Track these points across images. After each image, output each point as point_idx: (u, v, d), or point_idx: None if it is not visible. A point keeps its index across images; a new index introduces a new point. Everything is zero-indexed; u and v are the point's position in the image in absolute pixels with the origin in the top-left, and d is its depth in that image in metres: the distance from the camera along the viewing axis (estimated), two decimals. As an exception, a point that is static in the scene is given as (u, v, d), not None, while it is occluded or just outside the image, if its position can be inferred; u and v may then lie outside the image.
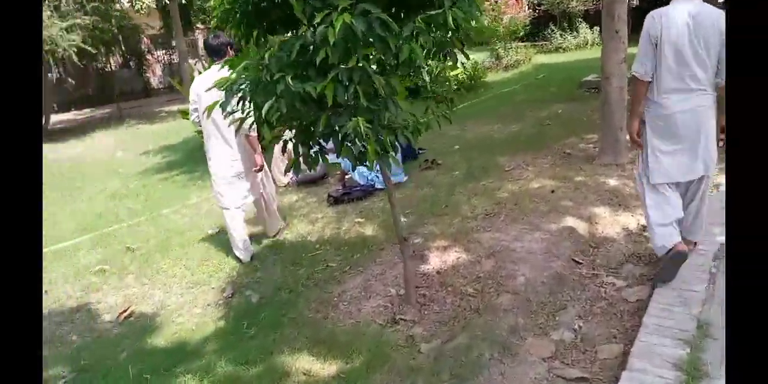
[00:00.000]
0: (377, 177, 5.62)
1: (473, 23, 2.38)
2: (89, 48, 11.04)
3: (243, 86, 2.26)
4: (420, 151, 6.93)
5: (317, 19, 2.05)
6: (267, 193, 4.50)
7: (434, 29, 2.26)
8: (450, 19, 2.15)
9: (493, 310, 3.05)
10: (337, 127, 2.29)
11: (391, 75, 2.40)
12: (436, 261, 3.75)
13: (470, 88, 11.75)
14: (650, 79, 2.83)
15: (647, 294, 2.98)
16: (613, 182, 4.69)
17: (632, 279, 3.23)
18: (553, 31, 17.28)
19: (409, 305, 3.23)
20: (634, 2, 18.55)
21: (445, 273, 3.58)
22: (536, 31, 17.56)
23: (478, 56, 17.28)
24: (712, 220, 3.67)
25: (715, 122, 2.86)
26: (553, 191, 4.66)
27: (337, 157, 2.54)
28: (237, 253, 4.25)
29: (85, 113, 16.90)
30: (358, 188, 5.49)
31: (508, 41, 15.39)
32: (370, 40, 2.19)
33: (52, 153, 10.56)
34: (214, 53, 3.93)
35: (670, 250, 2.88)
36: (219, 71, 3.42)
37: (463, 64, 10.71)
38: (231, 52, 3.91)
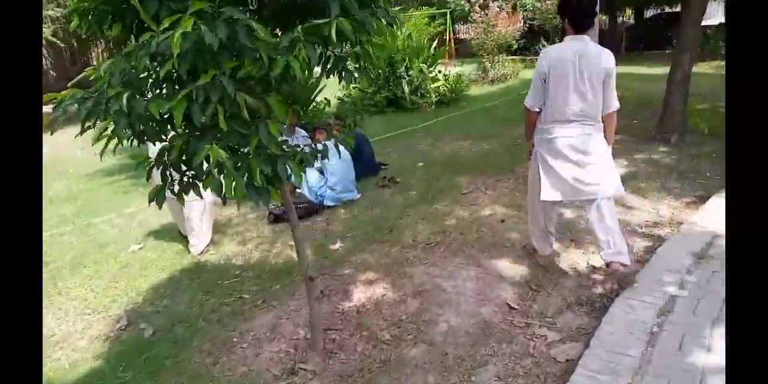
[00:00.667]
0: (332, 191, 5.24)
1: (371, 36, 2.00)
2: (58, 42, 10.64)
3: (68, 103, 1.88)
4: (382, 167, 6.57)
5: (165, 24, 1.67)
6: (202, 203, 4.19)
7: (320, 41, 1.88)
8: (333, 30, 1.78)
9: (404, 364, 2.67)
10: (191, 155, 1.91)
11: (271, 93, 2.02)
12: (360, 297, 3.36)
13: (451, 101, 11.42)
14: (538, 110, 3.12)
15: (579, 353, 2.61)
16: (568, 214, 4.33)
17: (567, 332, 2.85)
18: (544, 45, 17.00)
19: (315, 352, 2.83)
20: (624, 18, 18.23)
21: (366, 312, 3.19)
22: (529, 45, 17.32)
23: (466, 68, 17.02)
24: (666, 266, 3.31)
25: (600, 149, 3.13)
26: (503, 221, 4.29)
27: (203, 188, 2.15)
28: (191, 249, 4.37)
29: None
30: (303, 205, 5.10)
31: (497, 54, 15.10)
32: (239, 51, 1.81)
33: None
34: None
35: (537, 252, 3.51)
36: None
37: (445, 75, 10.44)
38: None
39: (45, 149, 10.18)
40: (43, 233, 5.12)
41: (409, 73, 11.05)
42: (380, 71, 11.07)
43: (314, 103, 9.32)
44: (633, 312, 2.81)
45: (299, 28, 1.83)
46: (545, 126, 3.12)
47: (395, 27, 2.19)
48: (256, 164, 1.93)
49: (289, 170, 2.10)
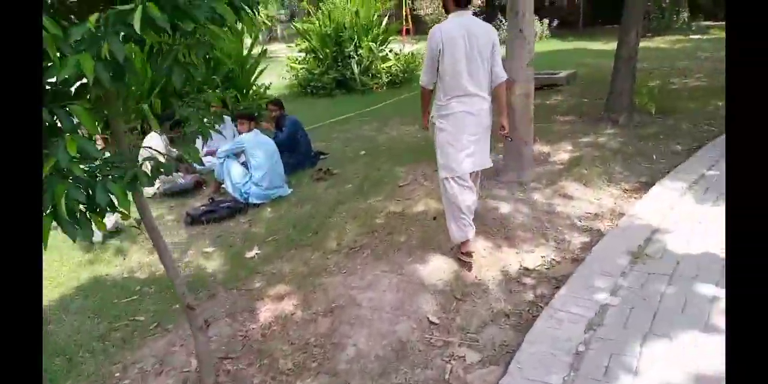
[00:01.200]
0: (258, 187, 4.83)
1: (201, 24, 1.59)
2: None
3: None
4: (321, 157, 6.16)
5: None
6: None
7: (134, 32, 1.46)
8: (138, 17, 1.37)
9: (301, 400, 2.34)
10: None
11: (79, 101, 1.60)
12: (267, 316, 3.01)
13: (404, 81, 10.98)
14: (432, 88, 3.25)
15: (497, 378, 2.32)
16: (505, 208, 4.03)
17: (490, 350, 2.56)
18: (501, 21, 16.64)
19: (204, 387, 2.48)
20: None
21: (271, 335, 2.84)
22: (488, 19, 16.89)
23: (422, 46, 16.51)
24: (601, 267, 3.04)
25: (490, 122, 3.30)
26: (434, 218, 3.97)
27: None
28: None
29: None
30: (226, 205, 4.69)
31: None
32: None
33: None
34: None
35: (462, 245, 3.31)
36: None
37: (396, 54, 9.96)
38: None
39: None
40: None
41: (359, 52, 10.55)
42: (327, 51, 10.55)
43: (254, 87, 8.79)
44: (559, 327, 2.53)
45: (100, 16, 1.42)
46: (443, 102, 3.18)
47: (247, 14, 1.78)
48: (61, 191, 1.53)
49: (110, 195, 1.69)
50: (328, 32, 10.34)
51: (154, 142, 5.29)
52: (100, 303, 3.36)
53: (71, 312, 3.30)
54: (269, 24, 18.91)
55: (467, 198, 3.24)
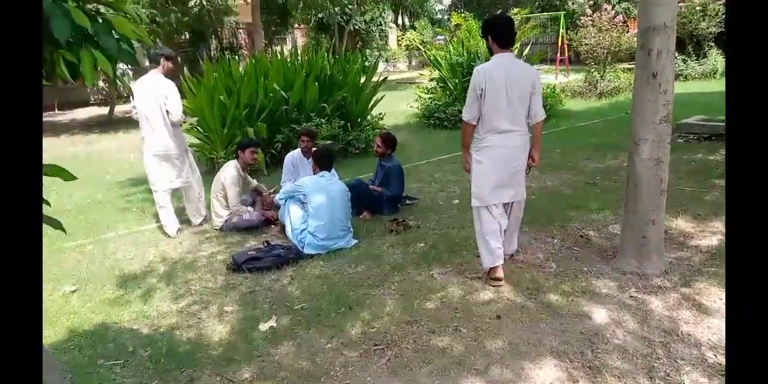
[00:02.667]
0: (314, 238, 4.23)
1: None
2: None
3: None
4: (408, 202, 5.42)
5: None
6: (195, 180, 5.09)
7: None
8: None
9: None
10: None
11: None
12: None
13: (538, 117, 9.83)
14: (475, 123, 3.34)
15: None
16: (601, 316, 2.93)
17: None
18: (675, 56, 14.58)
19: None
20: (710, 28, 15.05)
21: None
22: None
23: (572, 77, 15.10)
24: None
25: (526, 156, 3.44)
26: (498, 317, 3.00)
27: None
28: (165, 229, 4.93)
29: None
30: (277, 252, 4.13)
31: (609, 64, 13.13)
32: None
33: (83, 144, 10.34)
34: (152, 61, 4.75)
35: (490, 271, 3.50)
36: (153, 77, 4.69)
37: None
38: (166, 63, 4.75)
39: (110, 147, 10.27)
40: None
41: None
42: (456, 81, 9.84)
43: (369, 117, 8.34)
44: None
45: None
46: (481, 136, 3.36)
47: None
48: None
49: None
50: (459, 61, 9.62)
51: (227, 171, 4.97)
52: (87, 360, 2.93)
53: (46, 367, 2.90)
54: (420, 48, 18.72)
55: (498, 227, 3.47)
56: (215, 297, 3.64)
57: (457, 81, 9.93)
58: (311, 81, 7.29)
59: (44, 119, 14.37)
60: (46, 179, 6.73)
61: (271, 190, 6.09)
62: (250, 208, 5.03)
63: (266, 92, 7.19)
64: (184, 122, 5.42)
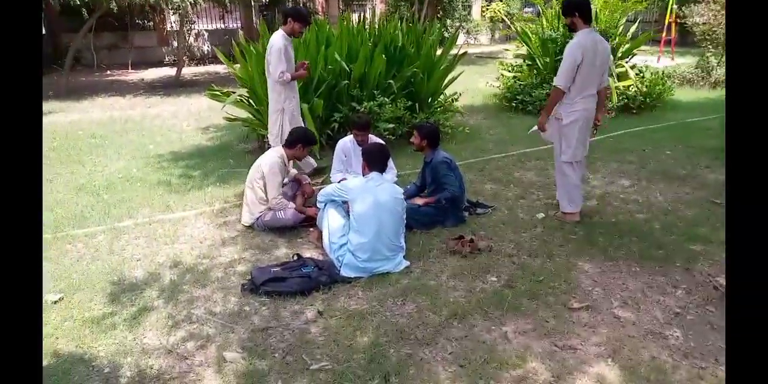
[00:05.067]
0: (354, 257, 3.31)
1: None
2: None
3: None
4: (478, 211, 4.37)
5: None
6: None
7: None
8: None
9: None
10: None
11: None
12: None
13: (643, 107, 8.37)
14: (567, 91, 3.85)
15: None
16: None
17: None
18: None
19: None
20: None
21: None
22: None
23: (681, 64, 13.19)
24: None
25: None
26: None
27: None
28: None
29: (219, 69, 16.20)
30: (305, 272, 3.25)
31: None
32: None
33: (141, 107, 9.88)
34: (283, 19, 4.99)
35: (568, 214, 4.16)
36: (275, 34, 4.97)
37: (640, 72, 7.49)
38: (292, 22, 4.87)
39: (162, 113, 9.73)
40: None
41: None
42: (547, 60, 8.49)
43: (441, 96, 7.24)
44: None
45: None
46: (574, 100, 3.88)
47: None
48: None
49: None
50: (553, 37, 8.24)
51: (269, 157, 4.12)
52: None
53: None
54: (505, 20, 17.11)
55: (580, 177, 4.13)
56: (219, 331, 2.81)
57: (548, 60, 8.57)
58: (378, 52, 6.25)
59: (115, 78, 14.20)
60: (85, 145, 6.05)
61: (318, 180, 5.22)
62: (291, 204, 4.16)
63: (326, 63, 6.24)
64: (283, 80, 4.92)
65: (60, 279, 3.40)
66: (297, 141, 4.19)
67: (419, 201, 4.10)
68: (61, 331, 2.82)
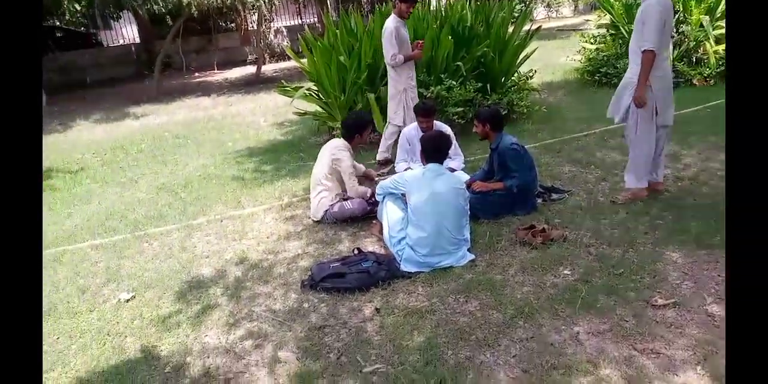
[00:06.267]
0: (413, 252, 3.17)
1: None
2: None
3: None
4: (556, 196, 4.06)
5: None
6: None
7: None
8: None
9: None
10: None
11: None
12: None
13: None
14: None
15: None
16: None
17: None
18: None
19: None
20: None
21: None
22: None
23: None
24: None
25: None
26: None
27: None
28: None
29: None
30: (365, 267, 3.14)
31: None
32: None
33: (223, 106, 10.25)
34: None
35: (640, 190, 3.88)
36: (389, 18, 4.99)
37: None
38: (400, 4, 4.84)
39: (243, 111, 10.06)
40: (95, 240, 4.30)
41: (680, 29, 7.47)
42: (632, 27, 7.74)
43: (515, 75, 6.84)
44: None
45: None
46: (659, 64, 3.56)
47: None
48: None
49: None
50: (638, 2, 7.49)
51: (341, 154, 4.07)
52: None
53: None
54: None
55: (660, 149, 3.87)
56: (276, 329, 2.78)
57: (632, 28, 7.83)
58: (445, 34, 5.99)
59: (202, 79, 14.91)
60: (170, 145, 6.32)
61: (384, 170, 5.11)
62: (369, 190, 4.09)
63: (391, 50, 6.07)
64: (395, 62, 4.95)
65: (134, 277, 3.54)
66: (350, 129, 4.12)
67: (487, 186, 3.85)
68: (130, 329, 2.92)
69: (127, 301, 3.25)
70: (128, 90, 13.33)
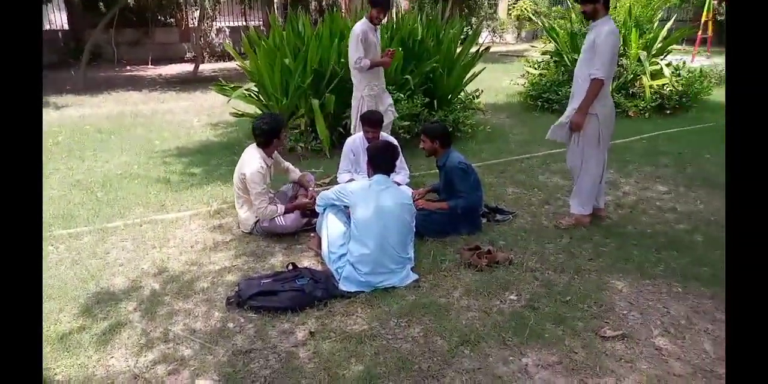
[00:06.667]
0: (354, 270, 2.93)
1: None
2: None
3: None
4: (499, 217, 3.96)
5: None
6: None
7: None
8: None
9: None
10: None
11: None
12: None
13: (678, 107, 7.82)
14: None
15: None
16: None
17: None
18: None
19: None
20: None
21: None
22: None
23: (719, 63, 12.54)
24: None
25: None
26: None
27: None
28: None
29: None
30: (299, 285, 2.87)
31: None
32: None
33: (154, 103, 9.64)
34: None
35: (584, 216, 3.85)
36: (360, 22, 4.79)
37: (676, 70, 6.97)
38: (372, 9, 4.72)
39: (175, 109, 9.49)
40: None
41: (620, 61, 7.75)
42: (575, 57, 7.98)
43: (462, 93, 6.82)
44: None
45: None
46: (606, 95, 3.62)
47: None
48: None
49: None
50: (583, 31, 7.74)
51: (251, 163, 3.66)
52: None
53: None
54: (532, 18, 16.55)
55: (601, 176, 3.82)
56: (195, 353, 2.46)
57: (576, 56, 8.07)
58: (395, 46, 5.87)
59: (134, 73, 14.08)
60: (90, 139, 5.71)
61: (325, 180, 4.86)
62: (280, 208, 3.72)
63: (339, 57, 5.89)
64: (360, 66, 4.72)
65: (32, 286, 3.08)
66: (265, 137, 3.69)
67: (431, 206, 3.70)
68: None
69: (20, 313, 2.80)
70: (51, 78, 12.32)
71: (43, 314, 2.79)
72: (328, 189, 3.69)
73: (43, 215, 4.19)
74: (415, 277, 3.05)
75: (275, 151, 3.87)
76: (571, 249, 3.45)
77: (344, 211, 3.21)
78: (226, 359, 2.41)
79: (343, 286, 2.93)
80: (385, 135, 4.42)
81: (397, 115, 5.30)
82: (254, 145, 3.79)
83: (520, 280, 3.03)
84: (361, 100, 4.92)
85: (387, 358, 2.36)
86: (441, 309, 2.74)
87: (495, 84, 10.24)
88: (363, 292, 2.92)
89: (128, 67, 15.08)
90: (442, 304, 2.80)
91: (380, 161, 3.17)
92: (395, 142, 4.00)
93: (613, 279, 3.05)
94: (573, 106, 3.63)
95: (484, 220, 3.86)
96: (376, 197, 2.99)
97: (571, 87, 7.78)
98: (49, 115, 8.38)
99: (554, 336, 2.49)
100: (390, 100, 5.19)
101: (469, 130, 6.42)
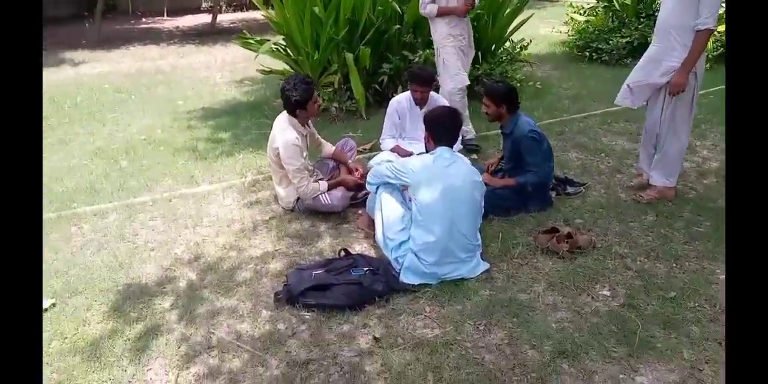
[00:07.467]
0: (418, 260, 2.54)
1: None
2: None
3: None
4: (570, 189, 3.49)
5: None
6: None
7: None
8: None
9: None
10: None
11: None
12: None
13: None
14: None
15: None
16: None
17: None
18: None
19: None
20: None
21: None
22: None
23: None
24: None
25: None
26: None
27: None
28: None
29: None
30: (354, 276, 2.50)
31: None
32: None
33: (173, 57, 9.12)
34: None
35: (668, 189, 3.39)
36: None
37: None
38: None
39: (195, 64, 8.97)
40: None
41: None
42: (628, 1, 7.19)
43: (507, 44, 6.16)
44: None
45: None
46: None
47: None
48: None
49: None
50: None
51: (284, 134, 3.19)
52: None
53: None
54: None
55: None
56: (244, 365, 2.12)
57: (628, 0, 7.28)
58: (437, -10, 5.21)
59: (150, 25, 13.46)
60: (110, 100, 5.18)
61: (366, 146, 4.40)
62: (323, 185, 3.30)
63: (375, 4, 5.28)
64: (425, 13, 4.21)
65: (57, 276, 2.77)
66: (292, 106, 3.19)
67: (495, 182, 3.24)
68: (47, 355, 2.19)
69: (45, 310, 2.49)
70: (65, 32, 11.80)
71: (69, 312, 2.48)
72: (372, 159, 3.22)
73: (65, 188, 3.85)
74: (486, 266, 2.65)
75: (309, 120, 3.40)
76: (661, 229, 3.00)
77: (399, 190, 2.78)
78: (281, 373, 2.07)
79: (405, 278, 2.54)
80: (437, 96, 3.91)
81: (468, 82, 4.53)
82: (284, 113, 3.30)
83: (610, 270, 2.61)
84: (437, 54, 4.30)
85: (470, 373, 2.00)
86: (523, 308, 2.35)
87: (532, 32, 9.44)
88: (428, 284, 2.54)
89: (143, 19, 14.42)
90: (523, 301, 2.41)
91: (442, 131, 2.70)
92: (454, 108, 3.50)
93: (719, 269, 2.61)
94: (668, 62, 3.06)
95: (553, 194, 3.40)
96: (442, 175, 2.54)
97: (623, 36, 7.04)
98: (65, 73, 7.95)
99: (668, 346, 2.09)
100: (469, 60, 4.47)
101: (518, 86, 5.81)
